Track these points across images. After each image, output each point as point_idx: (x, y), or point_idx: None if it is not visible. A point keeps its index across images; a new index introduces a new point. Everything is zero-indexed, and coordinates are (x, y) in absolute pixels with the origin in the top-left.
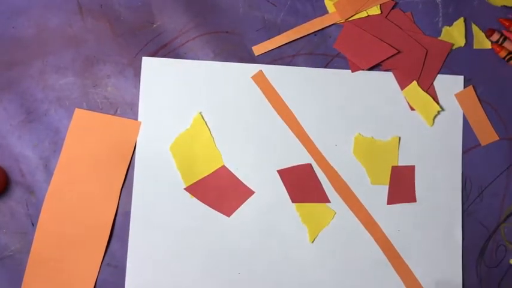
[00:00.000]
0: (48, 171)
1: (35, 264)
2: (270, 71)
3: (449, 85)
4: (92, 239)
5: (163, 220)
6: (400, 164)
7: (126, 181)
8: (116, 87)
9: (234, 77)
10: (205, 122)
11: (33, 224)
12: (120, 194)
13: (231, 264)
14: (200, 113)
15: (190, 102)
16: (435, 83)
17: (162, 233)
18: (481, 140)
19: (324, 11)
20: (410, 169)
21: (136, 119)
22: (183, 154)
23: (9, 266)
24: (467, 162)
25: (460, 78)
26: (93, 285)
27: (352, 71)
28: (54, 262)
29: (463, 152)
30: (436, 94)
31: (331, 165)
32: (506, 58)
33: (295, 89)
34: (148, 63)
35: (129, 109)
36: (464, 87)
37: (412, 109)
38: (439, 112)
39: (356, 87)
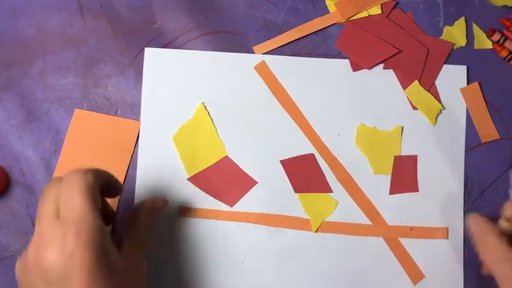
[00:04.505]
0: (49, 172)
1: None
2: (273, 61)
3: (452, 76)
4: None
5: (166, 211)
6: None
7: (126, 181)
8: (116, 87)
9: (236, 67)
10: (208, 113)
11: (34, 225)
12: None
13: (235, 254)
14: (203, 103)
15: (193, 93)
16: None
17: (165, 224)
18: (481, 136)
19: (324, 10)
20: (413, 159)
21: (136, 119)
22: (186, 144)
23: (10, 266)
24: (469, 162)
25: (463, 68)
26: None
27: (354, 71)
28: None
29: (465, 152)
30: (437, 92)
31: (334, 155)
32: (507, 58)
33: (298, 79)
34: (151, 54)
35: (129, 109)
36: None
37: (415, 108)
38: (441, 111)
39: (358, 80)
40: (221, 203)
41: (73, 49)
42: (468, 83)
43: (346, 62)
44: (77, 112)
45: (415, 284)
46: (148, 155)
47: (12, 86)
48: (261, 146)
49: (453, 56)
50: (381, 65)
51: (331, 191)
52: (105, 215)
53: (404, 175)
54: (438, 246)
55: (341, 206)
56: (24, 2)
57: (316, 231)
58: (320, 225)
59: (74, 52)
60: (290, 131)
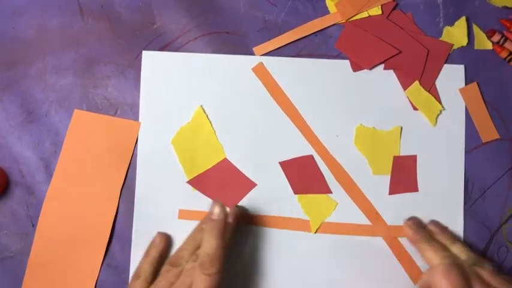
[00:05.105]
0: (49, 172)
1: (34, 266)
2: (271, 62)
3: (450, 76)
4: (92, 240)
5: (166, 214)
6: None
7: (126, 181)
8: (116, 88)
9: (234, 69)
10: (207, 115)
11: (34, 225)
12: (120, 194)
13: (235, 256)
14: (201, 106)
15: (191, 95)
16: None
17: (165, 227)
18: (482, 136)
19: (324, 11)
20: (412, 159)
21: (136, 119)
22: (185, 147)
23: (10, 267)
24: (469, 163)
25: (461, 68)
26: (94, 286)
27: (354, 71)
28: (54, 263)
29: (465, 153)
30: (437, 93)
31: (333, 156)
32: (508, 59)
33: (296, 80)
34: (149, 57)
35: (129, 110)
36: (465, 80)
37: (415, 109)
38: (441, 111)
39: (359, 80)
40: None
41: (73, 50)
42: (468, 83)
43: (346, 62)
44: (77, 112)
45: (415, 284)
46: (147, 159)
47: (12, 86)
48: (260, 148)
49: (453, 56)
50: (381, 66)
51: (331, 192)
52: None
53: (403, 175)
54: None
55: (340, 206)
56: (24, 2)
57: (315, 232)
58: (319, 226)
59: (73, 53)
60: (289, 132)
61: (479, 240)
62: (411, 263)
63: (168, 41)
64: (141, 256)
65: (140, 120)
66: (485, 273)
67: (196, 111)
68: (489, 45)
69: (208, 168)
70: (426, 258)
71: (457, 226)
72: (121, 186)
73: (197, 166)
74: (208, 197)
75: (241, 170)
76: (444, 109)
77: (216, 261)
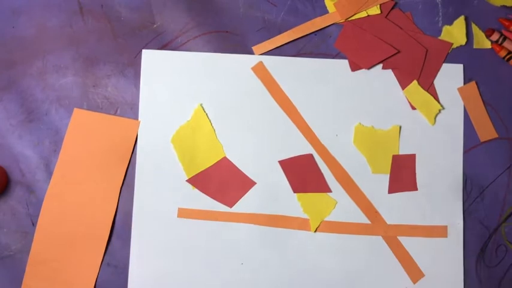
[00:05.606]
0: (49, 171)
1: (34, 264)
2: (271, 62)
3: (449, 75)
4: (91, 239)
5: (165, 212)
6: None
7: (126, 180)
8: (116, 87)
9: (234, 68)
10: (206, 114)
11: (34, 224)
12: (120, 192)
13: (234, 256)
14: (201, 104)
15: (190, 94)
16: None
17: (164, 225)
18: (480, 135)
19: (324, 10)
20: (411, 158)
21: (136, 118)
22: (185, 146)
23: (10, 266)
24: (468, 162)
25: (459, 67)
26: (93, 285)
27: (352, 70)
28: (54, 262)
29: (464, 152)
30: (436, 92)
31: (332, 155)
32: (506, 58)
33: (295, 79)
34: (148, 56)
35: (129, 109)
36: (464, 79)
37: (414, 108)
38: (440, 111)
39: (357, 80)
40: (220, 204)
41: (73, 49)
42: (467, 82)
43: (345, 62)
44: (77, 111)
45: (414, 283)
46: (146, 157)
47: (12, 85)
48: (259, 146)
49: (452, 55)
50: (380, 65)
51: (330, 191)
52: None
53: (402, 174)
54: (437, 244)
55: (340, 205)
56: (24, 1)
57: (315, 231)
58: (319, 224)
59: (73, 52)
60: (288, 131)
61: (478, 239)
62: (410, 262)
63: (168, 40)
64: (141, 255)
65: (140, 118)
66: None
67: (196, 109)
68: (488, 44)
69: (207, 166)
70: None
71: (456, 225)
72: (120, 185)
73: (197, 165)
74: (208, 195)
75: (240, 168)
76: (443, 108)
77: None
